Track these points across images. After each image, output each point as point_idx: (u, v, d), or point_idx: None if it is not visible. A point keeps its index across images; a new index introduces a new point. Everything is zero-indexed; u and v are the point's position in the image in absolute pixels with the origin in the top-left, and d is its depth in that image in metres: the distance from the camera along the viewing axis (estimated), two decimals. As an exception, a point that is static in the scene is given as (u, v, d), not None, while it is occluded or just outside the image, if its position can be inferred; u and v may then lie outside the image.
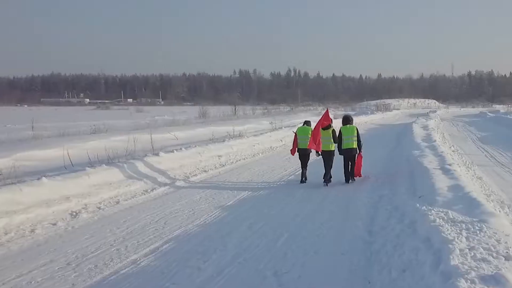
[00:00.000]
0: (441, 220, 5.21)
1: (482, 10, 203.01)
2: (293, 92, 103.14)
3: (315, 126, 9.51)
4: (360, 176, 9.71)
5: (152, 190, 8.92)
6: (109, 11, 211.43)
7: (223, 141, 14.97)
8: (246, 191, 8.80)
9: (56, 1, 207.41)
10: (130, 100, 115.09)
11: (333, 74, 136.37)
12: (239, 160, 13.27)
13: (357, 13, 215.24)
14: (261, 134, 18.47)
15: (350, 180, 9.47)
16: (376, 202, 7.66)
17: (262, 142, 16.63)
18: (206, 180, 10.26)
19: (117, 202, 7.86)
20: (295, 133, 10.18)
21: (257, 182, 9.91)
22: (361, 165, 9.71)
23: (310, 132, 9.64)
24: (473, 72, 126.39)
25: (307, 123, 10.32)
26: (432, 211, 5.67)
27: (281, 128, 21.50)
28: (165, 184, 9.45)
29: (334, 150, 9.55)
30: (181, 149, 12.50)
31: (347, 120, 9.82)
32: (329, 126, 9.55)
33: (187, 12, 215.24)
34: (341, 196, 8.39)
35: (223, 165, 12.30)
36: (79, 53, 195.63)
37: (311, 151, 9.78)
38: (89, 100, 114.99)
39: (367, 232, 5.98)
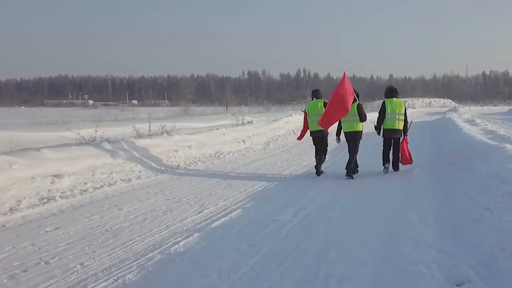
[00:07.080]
0: None
1: (496, 10, 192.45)
2: (303, 93, 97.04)
3: (333, 98, 7.08)
4: (411, 162, 7.46)
5: None
6: (117, 11, 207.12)
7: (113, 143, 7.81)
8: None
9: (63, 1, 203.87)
10: (134, 101, 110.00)
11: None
12: (111, 184, 6.11)
13: (368, 13, 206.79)
14: (211, 130, 11.25)
15: (387, 168, 7.31)
16: None
17: (200, 144, 9.69)
18: None
19: None
20: (305, 112, 7.88)
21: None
22: (408, 150, 7.41)
23: (323, 107, 7.52)
24: (487, 72, 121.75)
25: (315, 93, 8.03)
26: None
27: (251, 122, 14.22)
28: None
29: (361, 131, 7.31)
30: None
31: (392, 91, 7.61)
32: (354, 99, 7.24)
33: (196, 13, 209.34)
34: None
35: (49, 200, 5.18)
36: (86, 55, 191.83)
37: (327, 133, 7.65)
38: (94, 101, 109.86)
39: None
